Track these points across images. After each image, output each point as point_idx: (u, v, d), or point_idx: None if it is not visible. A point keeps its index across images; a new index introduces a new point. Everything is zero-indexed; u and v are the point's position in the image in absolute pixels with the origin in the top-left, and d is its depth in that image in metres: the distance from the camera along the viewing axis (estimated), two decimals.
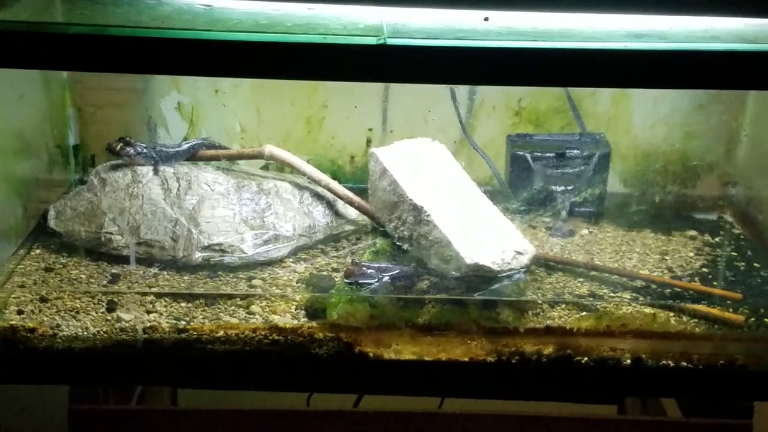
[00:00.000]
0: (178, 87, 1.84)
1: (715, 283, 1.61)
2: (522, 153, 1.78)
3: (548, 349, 1.45)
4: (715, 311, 1.50)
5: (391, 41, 1.27)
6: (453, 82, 1.66)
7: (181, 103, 1.85)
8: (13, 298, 1.50)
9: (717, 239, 1.78)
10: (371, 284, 1.51)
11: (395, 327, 1.46)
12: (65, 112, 1.83)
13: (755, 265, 1.68)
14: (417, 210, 1.55)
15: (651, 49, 1.29)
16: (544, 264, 1.63)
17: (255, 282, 1.56)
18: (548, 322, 1.48)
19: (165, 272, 1.57)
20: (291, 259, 1.64)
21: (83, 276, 1.56)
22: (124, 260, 1.59)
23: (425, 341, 1.46)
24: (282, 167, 1.78)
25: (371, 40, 1.27)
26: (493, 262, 1.49)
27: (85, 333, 1.44)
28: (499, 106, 1.87)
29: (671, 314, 1.50)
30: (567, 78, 1.38)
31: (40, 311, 1.47)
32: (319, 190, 1.72)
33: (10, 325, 1.44)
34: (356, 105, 1.83)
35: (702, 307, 1.51)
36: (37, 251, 1.64)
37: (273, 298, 1.51)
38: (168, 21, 1.35)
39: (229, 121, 1.86)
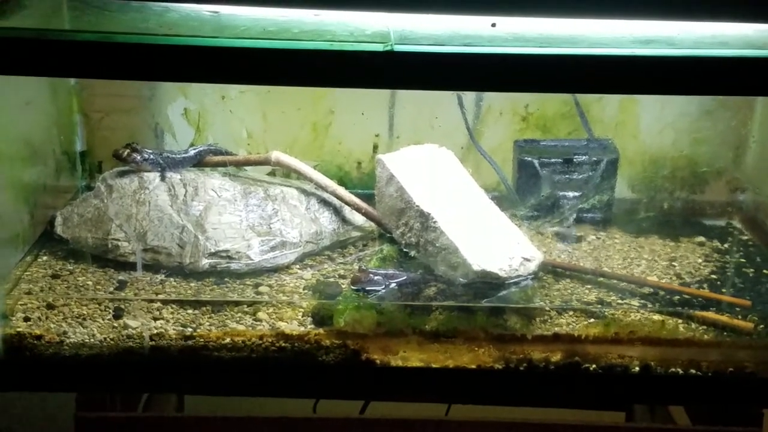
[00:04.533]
0: (185, 93, 1.84)
1: (723, 290, 1.60)
2: (529, 159, 1.77)
3: (556, 356, 1.45)
4: (724, 318, 1.49)
5: (398, 48, 1.27)
6: (460, 88, 1.66)
7: (188, 110, 1.85)
8: (20, 305, 1.50)
9: (726, 245, 1.77)
10: (378, 291, 1.51)
11: (402, 334, 1.46)
12: (72, 118, 1.84)
13: (764, 271, 1.67)
14: (424, 216, 1.55)
15: (659, 55, 1.29)
16: (551, 270, 1.62)
17: (262, 289, 1.56)
18: (556, 329, 1.47)
19: (172, 279, 1.57)
20: (298, 266, 1.64)
21: (90, 283, 1.56)
22: (130, 267, 1.59)
23: (432, 348, 1.45)
24: (288, 173, 1.78)
25: (378, 47, 1.27)
26: (501, 268, 1.48)
27: (92, 340, 1.44)
28: (506, 112, 1.86)
29: (680, 321, 1.50)
30: (574, 84, 1.37)
31: (47, 318, 1.47)
32: (326, 196, 1.72)
33: (17, 332, 1.43)
34: (363, 111, 1.83)
35: (711, 314, 1.50)
36: (44, 258, 1.64)
37: (280, 305, 1.51)
38: (175, 28, 1.35)
39: (236, 127, 1.86)
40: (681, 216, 1.86)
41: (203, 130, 1.85)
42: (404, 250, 1.61)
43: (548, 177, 1.75)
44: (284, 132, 1.86)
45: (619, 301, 1.55)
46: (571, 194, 1.75)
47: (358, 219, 1.72)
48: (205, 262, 1.57)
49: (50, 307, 1.49)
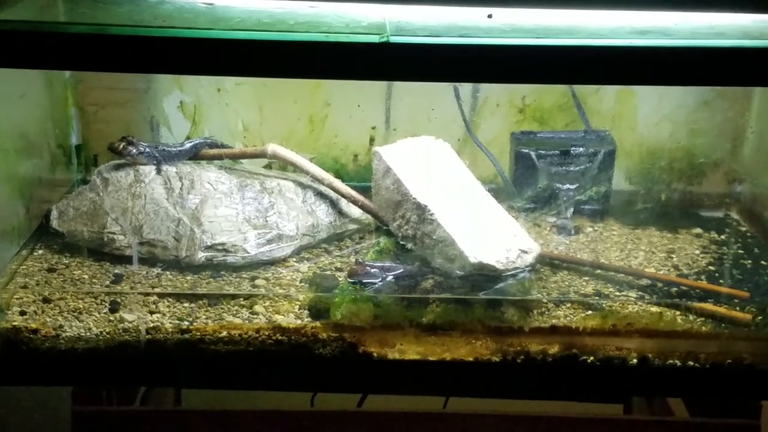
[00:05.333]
0: (181, 86, 1.83)
1: (721, 281, 1.60)
2: (526, 150, 1.77)
3: (553, 349, 1.44)
4: (721, 310, 1.49)
5: (394, 39, 1.26)
6: (456, 79, 1.65)
7: (184, 102, 1.85)
8: (16, 298, 1.49)
9: (723, 237, 1.77)
10: (375, 284, 1.51)
11: (399, 327, 1.46)
12: (67, 111, 1.83)
13: (762, 262, 1.67)
14: (421, 209, 1.54)
15: (656, 45, 1.28)
16: (549, 262, 1.62)
17: (258, 282, 1.56)
18: (553, 321, 1.47)
19: (168, 272, 1.56)
20: (294, 259, 1.63)
21: (86, 276, 1.56)
22: (126, 260, 1.58)
23: (429, 341, 1.45)
24: (285, 166, 1.77)
25: (374, 38, 1.26)
26: (498, 260, 1.48)
27: (88, 334, 1.43)
28: (502, 104, 1.86)
29: (678, 313, 1.50)
30: (571, 75, 1.37)
31: (42, 312, 1.46)
32: (323, 189, 1.71)
33: (12, 326, 1.43)
34: (359, 103, 1.82)
35: (709, 306, 1.50)
36: (40, 251, 1.64)
37: (276, 298, 1.51)
38: (170, 20, 1.34)
39: (232, 119, 1.85)
40: (678, 207, 1.85)
41: (199, 123, 1.85)
42: (401, 242, 1.61)
43: (545, 169, 1.75)
44: (280, 124, 1.86)
45: (617, 293, 1.55)
46: (568, 186, 1.74)
47: (355, 212, 1.72)
48: (201, 256, 1.56)
49: (46, 300, 1.49)
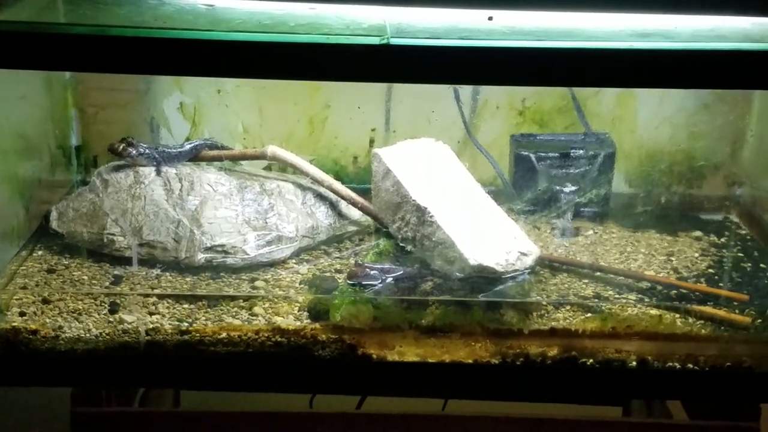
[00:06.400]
0: (181, 87, 1.83)
1: (721, 284, 1.60)
2: (526, 153, 1.77)
3: (553, 351, 1.44)
4: (721, 312, 1.49)
5: (394, 41, 1.26)
6: (456, 82, 1.65)
7: (184, 104, 1.85)
8: (16, 299, 1.49)
9: (723, 240, 1.77)
10: (374, 285, 1.51)
11: (399, 328, 1.46)
12: (67, 112, 1.83)
13: (762, 265, 1.67)
14: (420, 211, 1.54)
15: (657, 48, 1.29)
16: (548, 265, 1.62)
17: (258, 283, 1.56)
18: (553, 323, 1.47)
19: (167, 273, 1.56)
20: (294, 261, 1.63)
21: (85, 277, 1.56)
22: (126, 261, 1.58)
23: (429, 343, 1.45)
24: (284, 168, 1.77)
25: (374, 40, 1.26)
26: (497, 263, 1.48)
27: (88, 335, 1.43)
28: (502, 106, 1.86)
29: (677, 316, 1.50)
30: (571, 78, 1.37)
31: (42, 313, 1.46)
32: (322, 190, 1.71)
33: (12, 327, 1.43)
34: (359, 105, 1.82)
35: (708, 309, 1.50)
36: (40, 252, 1.64)
37: (276, 300, 1.51)
38: (170, 21, 1.34)
39: (232, 121, 1.85)
40: (678, 210, 1.85)
41: (199, 125, 1.85)
42: (401, 244, 1.61)
43: (545, 171, 1.75)
44: (280, 126, 1.86)
45: (616, 296, 1.55)
46: (567, 189, 1.74)
47: (355, 214, 1.72)
48: (200, 257, 1.56)
49: (46, 301, 1.49)
